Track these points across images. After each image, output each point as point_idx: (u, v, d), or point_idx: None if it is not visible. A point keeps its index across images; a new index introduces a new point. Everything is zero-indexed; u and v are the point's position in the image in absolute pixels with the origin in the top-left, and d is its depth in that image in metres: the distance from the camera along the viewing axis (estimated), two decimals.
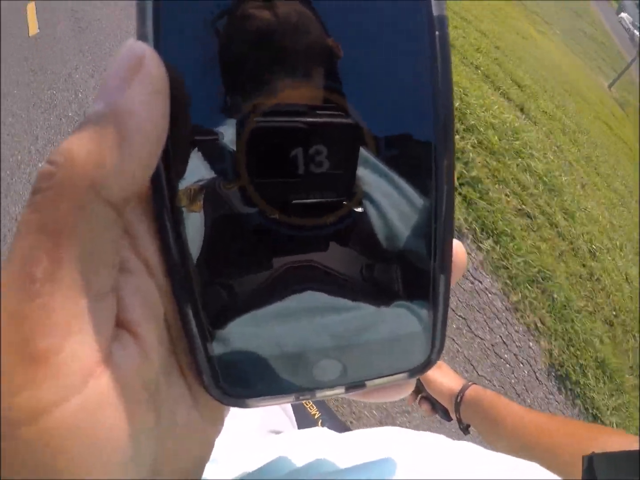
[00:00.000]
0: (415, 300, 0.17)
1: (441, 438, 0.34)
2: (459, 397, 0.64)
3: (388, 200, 0.17)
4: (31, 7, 3.81)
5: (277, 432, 0.55)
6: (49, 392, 0.12)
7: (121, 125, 0.12)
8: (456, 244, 0.18)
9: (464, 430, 0.67)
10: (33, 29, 3.57)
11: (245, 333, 0.16)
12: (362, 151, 0.16)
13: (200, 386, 0.16)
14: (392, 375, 0.18)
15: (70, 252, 0.12)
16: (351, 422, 1.62)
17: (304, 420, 0.75)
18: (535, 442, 0.50)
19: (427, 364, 0.18)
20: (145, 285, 0.15)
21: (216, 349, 0.16)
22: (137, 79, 0.13)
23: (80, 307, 0.12)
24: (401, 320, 0.17)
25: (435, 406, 0.72)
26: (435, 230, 0.17)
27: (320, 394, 0.18)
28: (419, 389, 0.74)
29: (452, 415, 0.68)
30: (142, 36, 0.14)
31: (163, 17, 0.14)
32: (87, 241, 0.12)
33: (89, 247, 0.12)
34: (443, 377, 0.69)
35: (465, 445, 0.32)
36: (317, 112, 0.15)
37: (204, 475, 0.18)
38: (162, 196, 0.15)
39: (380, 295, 0.17)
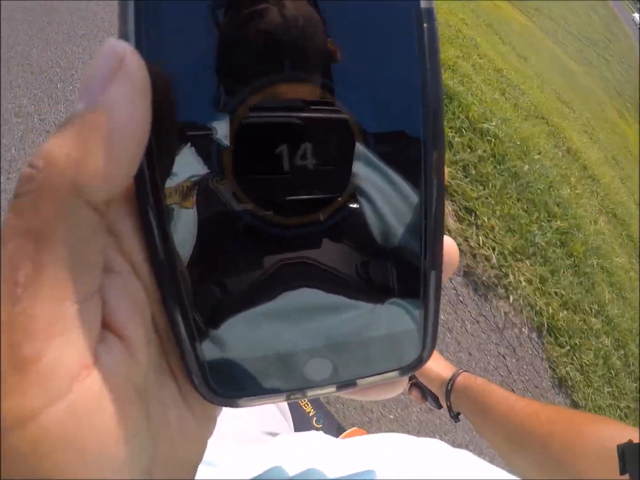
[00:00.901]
0: (406, 297, 0.17)
1: (438, 445, 0.34)
2: (450, 385, 0.65)
3: (380, 196, 0.17)
4: None
5: (273, 434, 0.55)
6: (34, 397, 0.12)
7: (102, 126, 0.12)
8: (448, 241, 0.18)
9: (454, 418, 0.67)
10: None
11: (235, 332, 0.16)
12: (357, 148, 0.16)
13: (190, 386, 0.16)
14: (383, 373, 0.18)
15: (52, 256, 0.12)
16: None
17: (299, 418, 0.75)
18: (526, 430, 0.51)
19: (419, 362, 0.18)
20: (131, 285, 0.15)
21: (205, 348, 0.16)
22: (118, 78, 0.13)
23: (63, 310, 0.12)
24: (392, 318, 0.18)
25: (426, 393, 0.72)
26: (425, 227, 0.17)
27: (311, 393, 0.18)
28: (410, 376, 0.74)
29: (442, 403, 0.68)
30: (123, 32, 0.14)
31: (147, 12, 0.14)
32: (70, 244, 0.12)
33: (72, 250, 0.12)
34: (433, 364, 0.69)
35: (462, 454, 0.33)
36: (310, 108, 0.15)
37: (200, 478, 0.18)
38: (146, 194, 0.14)
39: (372, 292, 0.17)
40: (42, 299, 0.12)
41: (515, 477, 0.31)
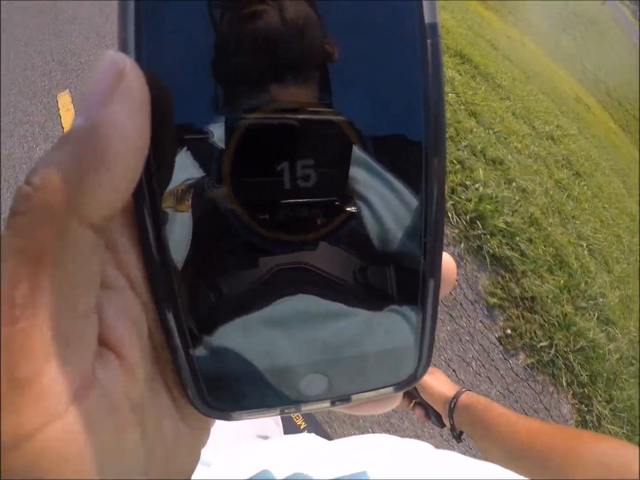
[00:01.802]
0: (404, 306, 0.17)
1: (425, 446, 0.34)
2: (453, 403, 0.65)
3: (379, 202, 0.17)
4: (65, 100, 2.80)
5: (265, 437, 0.55)
6: (31, 417, 0.12)
7: (101, 142, 0.12)
8: (446, 257, 0.18)
9: (457, 437, 0.67)
10: None
11: (231, 346, 0.16)
12: (355, 152, 0.16)
13: (185, 399, 0.16)
14: (378, 389, 0.18)
15: (49, 276, 0.12)
16: None
17: (290, 430, 0.75)
18: (528, 447, 0.51)
19: (414, 378, 0.18)
20: (128, 301, 0.15)
21: (200, 362, 0.16)
22: (118, 94, 0.13)
23: (60, 330, 0.12)
24: (389, 330, 0.17)
25: (429, 412, 0.73)
26: (425, 235, 0.17)
27: (305, 408, 0.18)
28: (413, 395, 0.74)
29: (445, 422, 0.69)
30: (123, 42, 0.14)
31: (146, 18, 0.14)
32: (68, 264, 0.12)
33: (69, 269, 0.12)
34: (437, 383, 0.70)
35: (449, 455, 0.33)
36: (310, 112, 0.15)
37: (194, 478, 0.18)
38: (143, 209, 0.14)
39: (369, 299, 0.17)
40: (39, 319, 0.12)
41: (503, 470, 0.31)
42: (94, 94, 0.13)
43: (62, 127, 2.62)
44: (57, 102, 2.80)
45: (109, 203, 0.13)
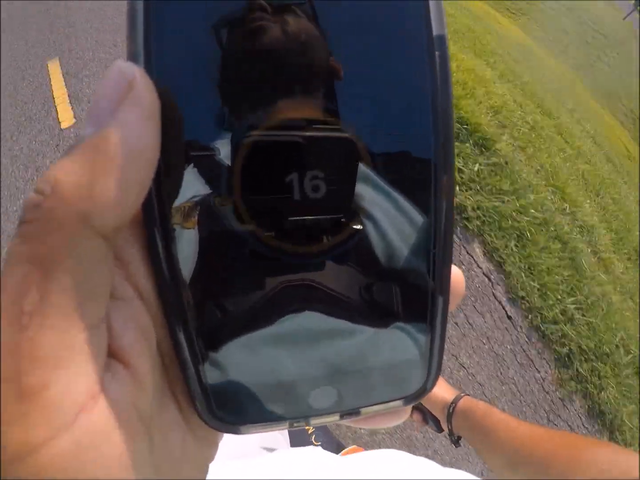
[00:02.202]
0: (412, 323, 0.17)
1: (434, 466, 0.34)
2: (452, 408, 0.65)
3: (386, 219, 0.17)
4: (55, 68, 2.76)
5: (271, 449, 0.55)
6: (39, 429, 0.11)
7: (111, 152, 0.12)
8: (455, 270, 0.18)
9: (455, 442, 0.67)
10: (66, 119, 2.47)
11: (240, 360, 0.16)
12: (361, 169, 0.16)
13: (193, 412, 0.16)
14: (387, 402, 0.18)
15: (59, 285, 0.12)
16: None
17: (298, 435, 0.75)
18: (528, 453, 0.51)
19: (423, 391, 0.18)
20: (137, 312, 0.15)
21: (209, 375, 0.16)
22: (127, 102, 0.13)
23: (70, 339, 0.12)
24: (397, 344, 0.18)
25: (427, 417, 0.72)
26: (434, 252, 0.17)
27: (314, 422, 0.18)
28: None
29: (443, 426, 0.68)
30: (132, 53, 0.14)
31: (155, 31, 0.14)
32: (77, 272, 0.12)
33: (78, 278, 0.12)
34: (436, 388, 0.69)
35: (456, 473, 0.32)
36: (316, 129, 0.15)
37: None
38: (153, 220, 0.14)
39: (376, 316, 0.17)
40: (48, 327, 0.12)
41: None
42: (103, 102, 0.13)
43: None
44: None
45: (118, 212, 0.13)
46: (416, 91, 0.16)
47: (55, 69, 2.80)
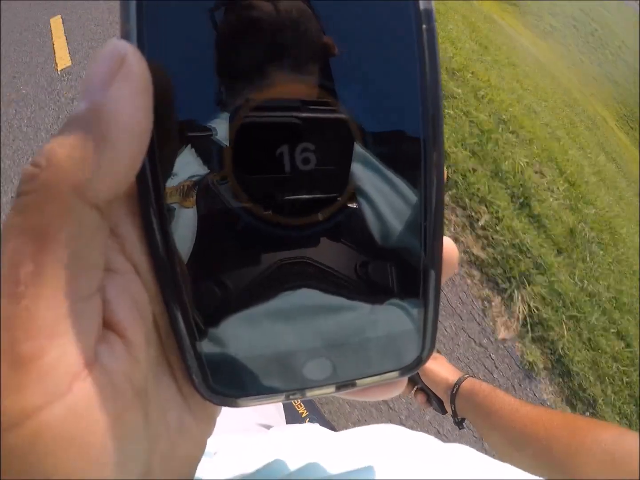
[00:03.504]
0: (406, 297, 0.18)
1: (433, 441, 0.35)
2: (455, 389, 0.66)
3: (380, 196, 0.17)
4: (57, 23, 3.17)
5: (267, 426, 0.55)
6: (34, 396, 0.12)
7: (104, 126, 0.13)
8: (447, 242, 0.18)
9: (459, 424, 0.68)
10: (63, 59, 2.90)
11: (235, 332, 0.17)
12: (355, 148, 0.16)
13: (190, 386, 0.17)
14: (383, 374, 0.19)
15: (54, 255, 0.12)
16: None
17: (292, 419, 0.76)
18: (530, 434, 0.51)
19: (419, 362, 0.19)
20: (132, 285, 0.15)
21: (206, 348, 0.16)
22: (119, 78, 0.13)
23: (64, 309, 0.12)
24: (392, 318, 0.18)
25: (431, 398, 0.73)
26: (425, 226, 0.17)
27: (310, 393, 0.18)
28: (415, 380, 0.75)
29: (447, 407, 0.69)
30: (125, 31, 0.14)
31: (148, 12, 0.14)
32: (72, 244, 0.12)
33: (73, 249, 0.13)
34: (440, 369, 0.70)
35: (457, 448, 0.33)
36: (308, 107, 0.16)
37: (199, 470, 0.18)
38: (148, 194, 0.15)
39: (371, 292, 0.18)
40: (44, 297, 0.12)
41: (515, 470, 0.32)
42: (95, 78, 0.13)
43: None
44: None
45: (112, 184, 0.13)
46: (405, 68, 0.16)
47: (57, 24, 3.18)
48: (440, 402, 0.71)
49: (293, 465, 0.32)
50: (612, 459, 0.43)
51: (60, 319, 0.12)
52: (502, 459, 0.56)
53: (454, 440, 0.68)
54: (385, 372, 0.19)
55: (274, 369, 0.17)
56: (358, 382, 0.18)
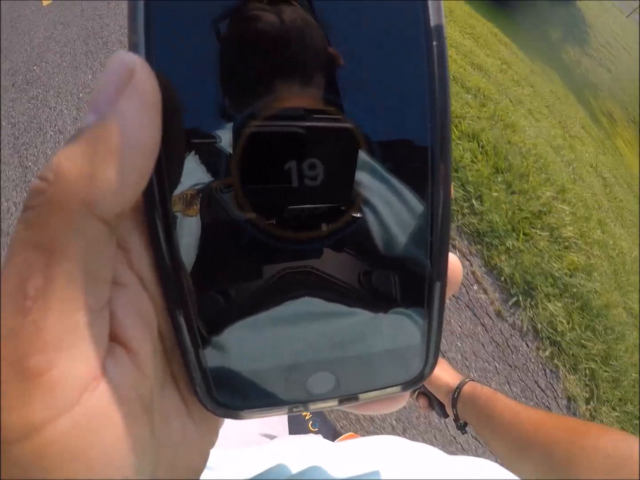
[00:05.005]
0: (410, 309, 0.18)
1: (436, 452, 0.35)
2: (456, 393, 0.66)
3: (385, 207, 0.17)
4: None
5: (270, 436, 0.56)
6: (41, 409, 0.12)
7: (112, 139, 0.13)
8: (452, 259, 0.18)
9: (461, 428, 0.68)
10: None
11: (240, 345, 0.17)
12: (360, 158, 0.16)
13: (193, 398, 0.17)
14: (385, 388, 0.19)
15: (62, 269, 0.12)
16: None
17: (295, 420, 0.77)
18: (531, 438, 0.51)
19: (421, 377, 0.19)
20: (138, 298, 0.15)
21: (210, 360, 0.17)
22: (128, 91, 0.13)
23: (72, 323, 0.13)
24: (395, 331, 0.18)
25: (432, 402, 0.74)
26: (431, 238, 0.17)
27: (313, 407, 0.18)
28: None
29: (448, 411, 0.69)
30: (133, 43, 0.14)
31: (156, 21, 0.14)
32: (80, 258, 0.13)
33: (81, 263, 0.13)
34: (441, 373, 0.70)
35: (459, 459, 0.33)
36: (316, 118, 0.16)
37: None
38: (154, 206, 0.15)
39: (375, 303, 0.18)
40: (51, 311, 0.12)
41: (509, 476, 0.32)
42: (104, 91, 0.13)
43: None
44: None
45: (119, 199, 0.13)
46: (414, 80, 0.16)
47: None
48: (442, 406, 0.71)
49: (294, 468, 0.32)
50: (613, 463, 0.43)
51: (68, 332, 0.13)
52: (504, 463, 0.56)
53: (463, 443, 0.68)
54: (388, 387, 0.19)
55: (277, 382, 0.17)
56: (361, 396, 0.19)
